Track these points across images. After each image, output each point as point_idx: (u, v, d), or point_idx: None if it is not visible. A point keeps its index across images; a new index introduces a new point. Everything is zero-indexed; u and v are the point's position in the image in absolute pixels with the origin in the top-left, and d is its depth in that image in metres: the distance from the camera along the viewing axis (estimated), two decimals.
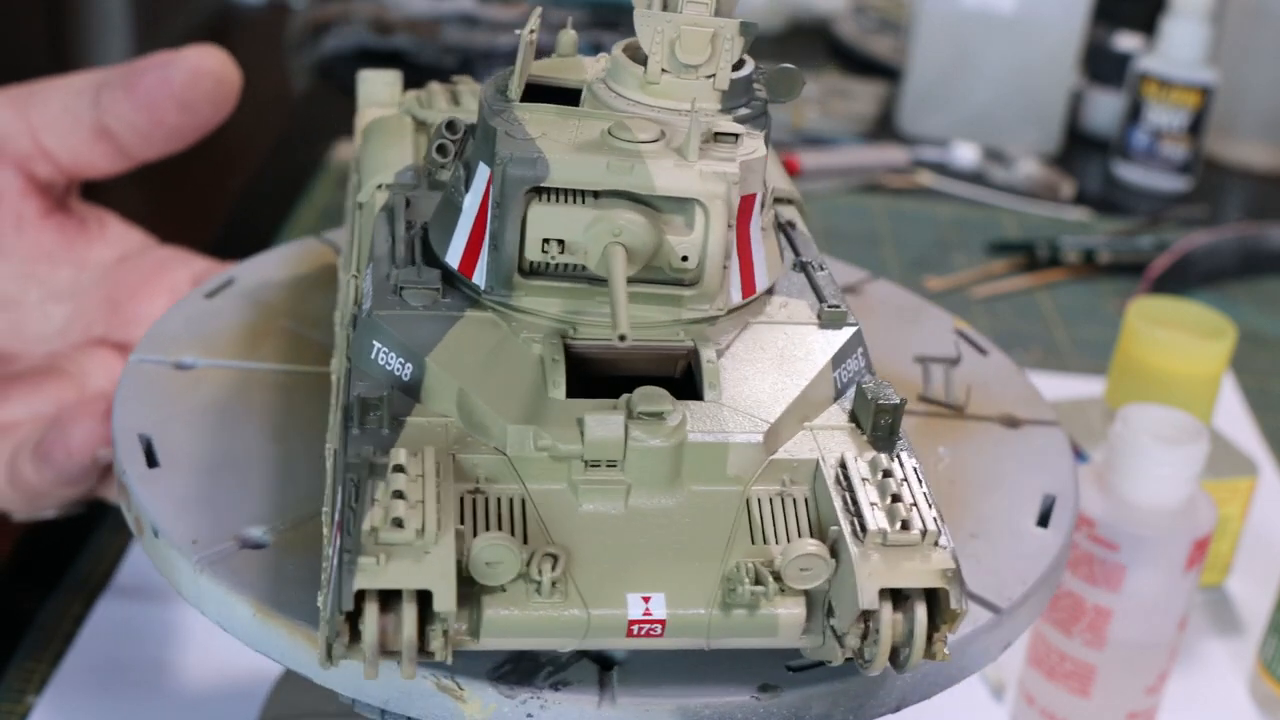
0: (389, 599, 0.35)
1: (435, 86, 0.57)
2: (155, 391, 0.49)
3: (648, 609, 0.37)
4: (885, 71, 1.45)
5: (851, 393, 0.43)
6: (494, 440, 0.40)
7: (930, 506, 0.38)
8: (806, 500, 0.40)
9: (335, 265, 0.57)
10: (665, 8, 0.43)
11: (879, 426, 0.41)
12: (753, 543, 0.39)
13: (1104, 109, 1.36)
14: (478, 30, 1.33)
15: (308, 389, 0.49)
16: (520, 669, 0.39)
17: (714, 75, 0.43)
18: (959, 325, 0.57)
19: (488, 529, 0.38)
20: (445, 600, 0.35)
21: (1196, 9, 1.21)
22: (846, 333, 0.44)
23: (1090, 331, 1.03)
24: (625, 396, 0.39)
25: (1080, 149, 1.35)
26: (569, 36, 0.49)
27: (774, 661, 0.40)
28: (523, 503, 0.39)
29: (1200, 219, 1.22)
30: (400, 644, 0.35)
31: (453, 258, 0.44)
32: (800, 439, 0.41)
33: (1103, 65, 1.36)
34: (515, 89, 0.43)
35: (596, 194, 0.41)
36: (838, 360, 0.44)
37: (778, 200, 0.52)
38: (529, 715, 0.38)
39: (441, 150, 0.45)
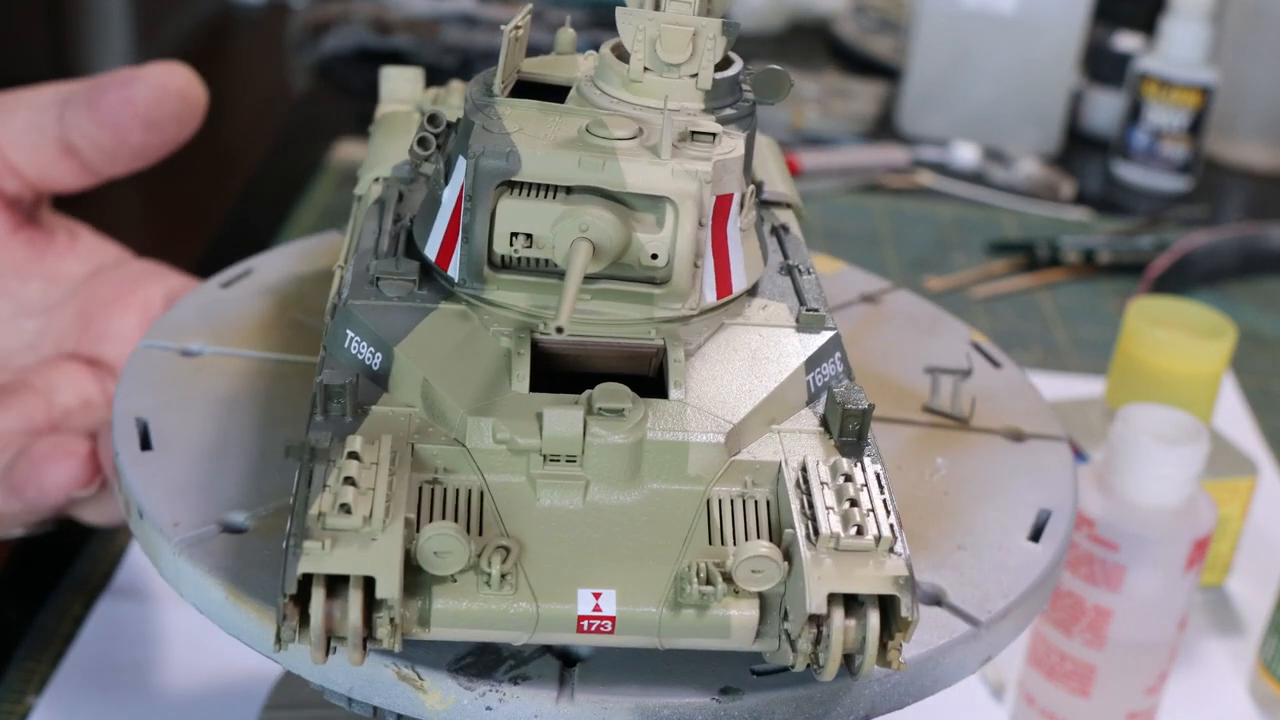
0: (337, 585, 0.36)
1: (455, 85, 0.57)
2: (159, 376, 0.49)
3: (598, 605, 0.37)
4: (885, 71, 1.45)
5: (825, 397, 0.43)
6: (454, 431, 0.40)
7: (889, 513, 0.38)
8: (768, 502, 0.40)
9: None
10: (657, 7, 0.43)
11: (847, 431, 0.41)
12: (710, 543, 0.39)
13: (1104, 109, 1.36)
14: (478, 30, 1.33)
15: (307, 378, 0.49)
16: (481, 661, 0.39)
17: (696, 74, 0.43)
18: (975, 337, 0.57)
19: (443, 519, 0.38)
20: (389, 587, 0.35)
21: (1196, 9, 1.21)
22: (823, 337, 0.44)
23: (1090, 331, 1.03)
24: (587, 392, 0.40)
25: (1080, 149, 1.35)
26: (567, 35, 0.49)
27: (739, 665, 0.39)
28: (480, 494, 0.39)
29: (1200, 219, 1.22)
30: (346, 629, 0.35)
31: (431, 250, 0.44)
32: (766, 441, 0.41)
33: (1103, 65, 1.36)
34: (498, 84, 0.44)
35: (569, 190, 0.41)
36: (812, 364, 0.43)
37: (773, 204, 0.52)
38: (488, 708, 0.38)
39: (423, 143, 0.45)
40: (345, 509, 0.36)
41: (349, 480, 0.37)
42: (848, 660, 0.37)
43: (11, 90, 0.63)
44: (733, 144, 0.42)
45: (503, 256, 0.42)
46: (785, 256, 0.48)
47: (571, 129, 0.42)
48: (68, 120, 0.61)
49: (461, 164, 0.42)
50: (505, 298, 0.42)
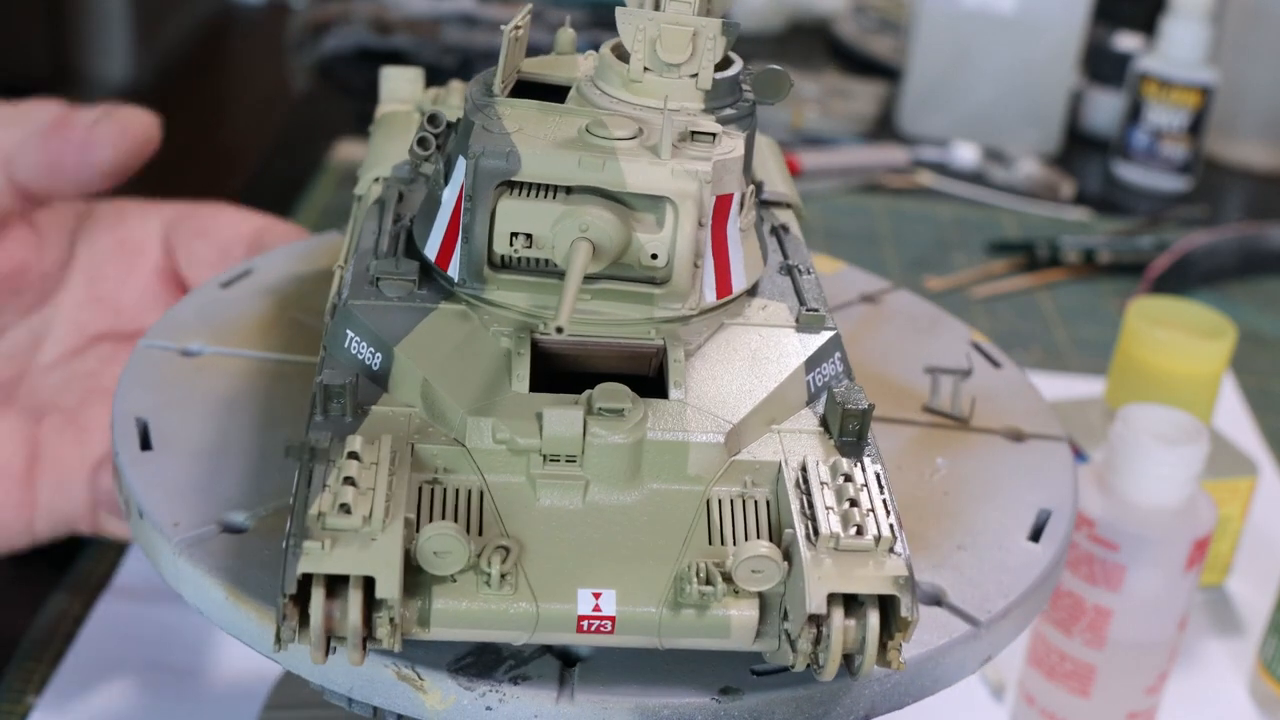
0: (337, 585, 0.36)
1: (455, 85, 0.57)
2: (159, 376, 0.49)
3: (598, 605, 0.37)
4: (885, 71, 1.45)
5: (825, 397, 0.43)
6: (454, 431, 0.40)
7: (889, 513, 0.38)
8: (768, 502, 0.40)
9: None
10: (657, 7, 0.43)
11: (847, 431, 0.41)
12: (710, 543, 0.39)
13: (1104, 109, 1.36)
14: (478, 30, 1.33)
15: (307, 378, 0.49)
16: (481, 661, 0.39)
17: (696, 74, 0.43)
18: (975, 337, 0.57)
19: (443, 519, 0.38)
20: (389, 587, 0.35)
21: (1196, 9, 1.21)
22: (823, 336, 0.44)
23: (1090, 331, 1.03)
24: (587, 392, 0.40)
25: (1080, 149, 1.35)
26: (567, 35, 0.49)
27: (739, 665, 0.39)
28: (480, 494, 0.39)
29: (1200, 219, 1.22)
30: (346, 629, 0.36)
31: (431, 250, 0.44)
32: (766, 441, 0.41)
33: (1103, 65, 1.36)
34: (498, 84, 0.44)
35: (569, 190, 0.41)
36: (812, 364, 0.43)
37: (773, 204, 0.52)
38: (488, 708, 0.38)
39: (422, 143, 0.45)
40: (345, 509, 0.36)
41: (349, 480, 0.37)
42: (847, 660, 0.37)
43: None
44: (733, 144, 0.42)
45: (503, 256, 0.42)
46: (785, 256, 0.48)
47: (571, 129, 0.42)
48: (20, 176, 0.60)
49: (461, 164, 0.42)
50: (505, 298, 0.42)
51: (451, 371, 0.41)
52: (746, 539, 0.39)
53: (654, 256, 0.41)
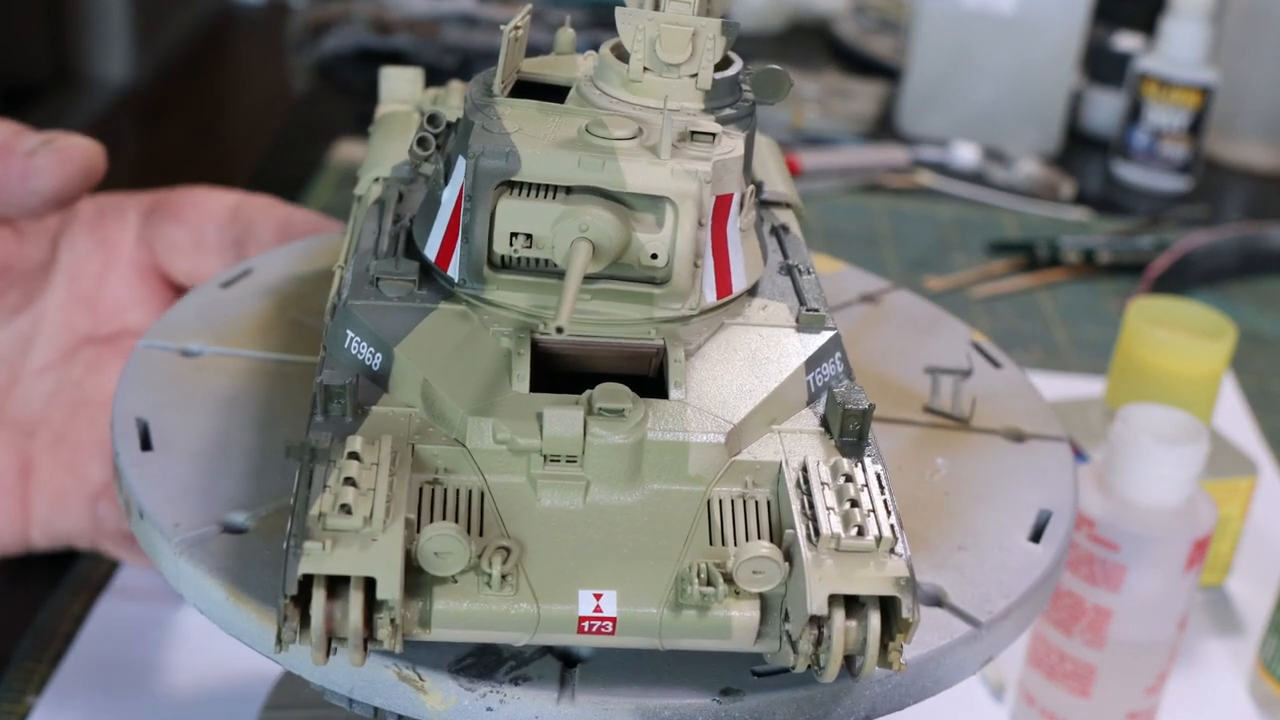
0: (338, 585, 0.36)
1: (455, 85, 0.57)
2: (159, 377, 0.49)
3: (599, 606, 0.37)
4: (885, 71, 1.45)
5: (825, 397, 0.43)
6: (454, 431, 0.40)
7: (889, 514, 0.38)
8: (769, 503, 0.40)
9: None
10: (657, 7, 0.43)
11: (847, 431, 0.41)
12: (711, 544, 0.39)
13: (1104, 109, 1.36)
14: (478, 30, 1.33)
15: (307, 378, 0.49)
16: (482, 662, 0.39)
17: (696, 74, 0.43)
18: (975, 337, 0.57)
19: (444, 519, 0.38)
20: (390, 588, 0.35)
21: (1196, 9, 1.22)
22: (823, 336, 0.44)
23: (1090, 331, 1.03)
24: (587, 393, 0.39)
25: (1080, 149, 1.35)
26: (567, 35, 0.49)
27: (740, 666, 0.39)
28: (481, 495, 0.39)
29: (1200, 219, 1.22)
30: (347, 630, 0.36)
31: (431, 250, 0.44)
32: (766, 441, 0.41)
33: (1103, 65, 1.36)
34: (498, 84, 0.44)
35: (569, 190, 0.41)
36: (812, 364, 0.43)
37: (773, 204, 0.52)
38: (489, 709, 0.38)
39: (422, 143, 0.45)
40: (346, 509, 0.36)
41: (349, 481, 0.37)
42: (849, 661, 0.37)
43: None
44: (732, 144, 0.42)
45: (503, 257, 0.42)
46: (785, 256, 0.48)
47: (571, 129, 0.42)
48: None
49: (461, 164, 0.42)
50: (505, 298, 0.42)
51: (451, 372, 0.41)
52: (747, 539, 0.39)
53: (654, 256, 0.41)
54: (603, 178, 0.40)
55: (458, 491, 0.39)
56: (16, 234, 0.63)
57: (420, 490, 0.39)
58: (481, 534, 0.38)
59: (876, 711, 0.40)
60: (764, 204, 0.51)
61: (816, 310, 0.45)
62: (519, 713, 0.38)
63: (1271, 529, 0.81)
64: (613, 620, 0.37)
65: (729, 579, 0.37)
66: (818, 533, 0.37)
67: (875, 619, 0.36)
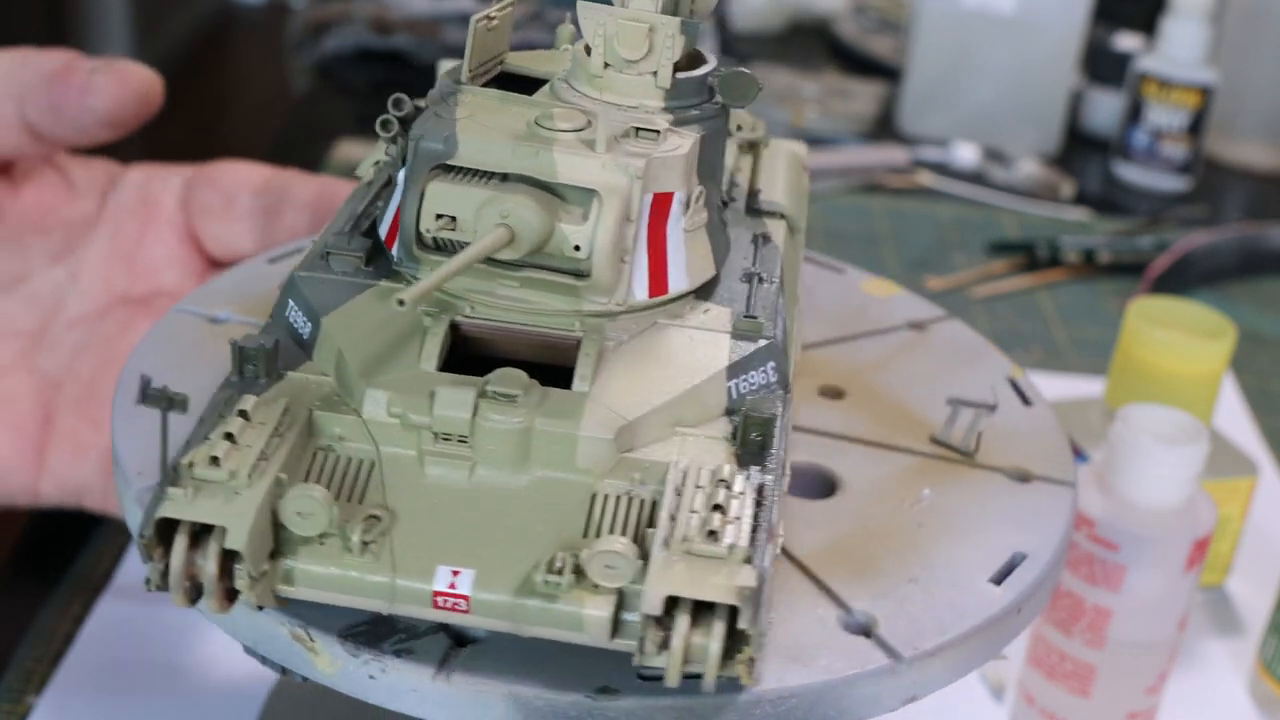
0: (204, 536, 0.37)
1: (445, 63, 0.57)
2: (181, 339, 0.50)
3: (454, 584, 0.37)
4: (885, 71, 1.45)
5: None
6: (355, 402, 0.41)
7: (757, 527, 0.37)
8: (654, 503, 0.39)
9: None
10: (617, 2, 0.44)
11: (749, 439, 0.40)
12: (585, 536, 0.38)
13: (1104, 109, 1.36)
14: None
15: None
16: (374, 631, 0.39)
17: (655, 72, 0.43)
18: (1014, 373, 0.55)
19: (329, 485, 0.39)
20: (237, 539, 0.36)
21: (1196, 9, 1.22)
22: (755, 345, 0.43)
23: (1090, 331, 1.03)
24: (488, 376, 0.40)
25: (1080, 149, 1.35)
26: (567, 31, 0.49)
27: (630, 666, 0.38)
28: (371, 465, 0.40)
29: (1200, 219, 1.22)
30: (204, 577, 0.37)
31: (384, 229, 0.45)
32: (668, 442, 0.41)
33: (1103, 65, 1.36)
34: (465, 73, 0.44)
35: (505, 177, 0.41)
36: (736, 370, 0.43)
37: (763, 213, 0.50)
38: (370, 676, 0.39)
39: (385, 125, 0.45)
40: (215, 461, 0.37)
41: (229, 436, 0.38)
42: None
43: None
44: (679, 143, 0.42)
45: (434, 238, 0.42)
46: (754, 264, 0.47)
47: (523, 120, 0.42)
48: (29, 116, 0.62)
49: None
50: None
51: (367, 345, 0.42)
52: (624, 535, 0.38)
53: (577, 249, 0.41)
54: (535, 166, 0.41)
55: (349, 459, 0.40)
56: (67, 184, 0.66)
57: (314, 455, 0.40)
58: (362, 502, 0.39)
59: None
60: (756, 212, 0.50)
61: (755, 318, 0.44)
62: (398, 684, 0.39)
63: (1271, 529, 0.81)
64: (466, 599, 0.37)
65: (580, 571, 0.37)
66: (673, 534, 0.37)
67: (719, 627, 0.36)
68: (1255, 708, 0.69)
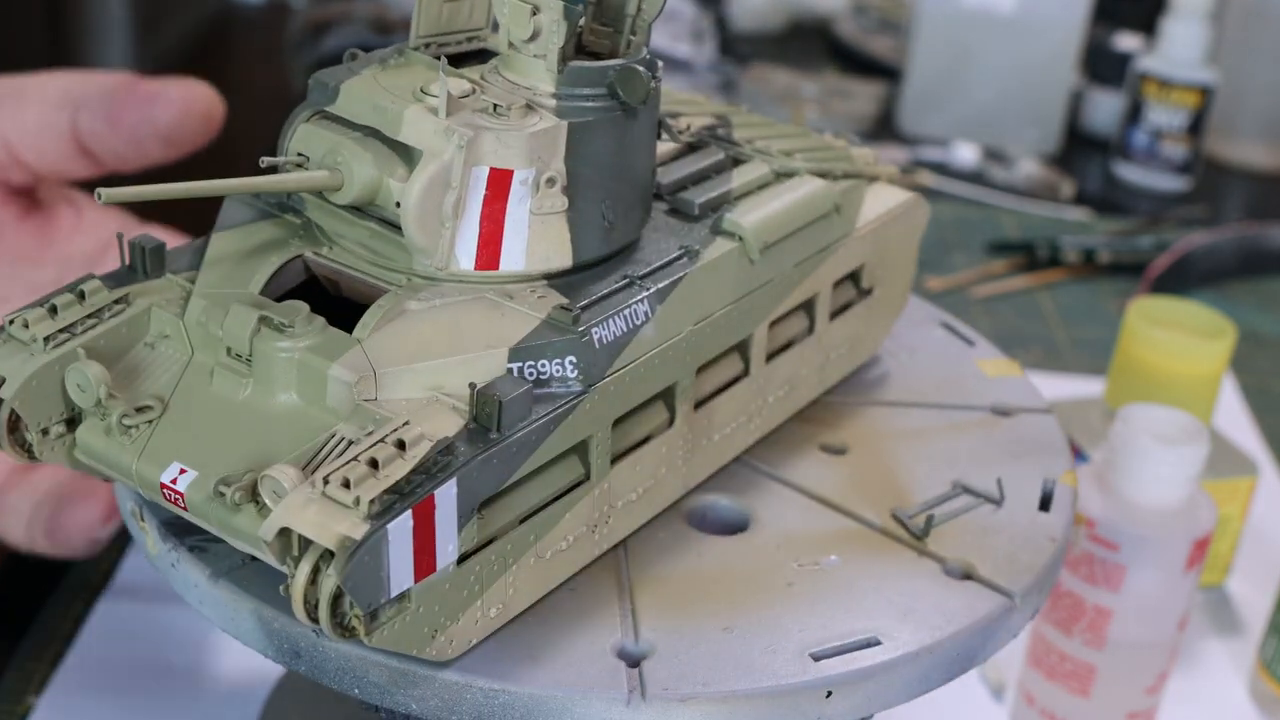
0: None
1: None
2: None
3: (176, 480, 0.40)
4: (885, 71, 1.45)
5: None
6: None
7: (396, 492, 0.37)
8: None
9: None
10: None
11: (481, 416, 0.40)
12: (303, 468, 0.38)
13: (1104, 109, 1.36)
14: None
15: None
16: (187, 525, 0.42)
17: (544, 56, 0.44)
18: (1065, 480, 0.52)
19: (139, 375, 0.42)
20: (8, 391, 0.41)
21: (1196, 9, 1.22)
22: (557, 336, 0.42)
23: (1090, 331, 1.03)
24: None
25: (1080, 149, 1.35)
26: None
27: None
28: (181, 366, 0.43)
29: (1200, 219, 1.22)
30: None
31: None
32: (417, 404, 0.40)
33: (1103, 65, 1.36)
34: (413, 37, 0.46)
35: (371, 132, 0.43)
36: (523, 355, 0.42)
37: (722, 231, 0.48)
38: (172, 565, 0.43)
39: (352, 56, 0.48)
40: (25, 324, 0.41)
41: (53, 308, 0.42)
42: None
43: (13, 76, 0.63)
44: (534, 124, 0.43)
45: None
46: (643, 270, 0.46)
47: (419, 84, 0.44)
48: (83, 125, 0.61)
49: None
50: (316, 217, 0.46)
51: (225, 262, 0.44)
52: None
53: (398, 205, 0.43)
54: (383, 121, 0.43)
55: (163, 356, 0.43)
56: (77, 222, 0.66)
57: (140, 346, 0.43)
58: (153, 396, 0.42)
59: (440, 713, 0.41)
60: (718, 230, 0.48)
61: (569, 309, 0.43)
62: (185, 577, 0.43)
63: (1271, 529, 0.81)
64: (182, 495, 0.39)
65: (253, 490, 0.38)
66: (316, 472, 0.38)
67: (332, 573, 0.36)
68: (1255, 708, 0.69)
